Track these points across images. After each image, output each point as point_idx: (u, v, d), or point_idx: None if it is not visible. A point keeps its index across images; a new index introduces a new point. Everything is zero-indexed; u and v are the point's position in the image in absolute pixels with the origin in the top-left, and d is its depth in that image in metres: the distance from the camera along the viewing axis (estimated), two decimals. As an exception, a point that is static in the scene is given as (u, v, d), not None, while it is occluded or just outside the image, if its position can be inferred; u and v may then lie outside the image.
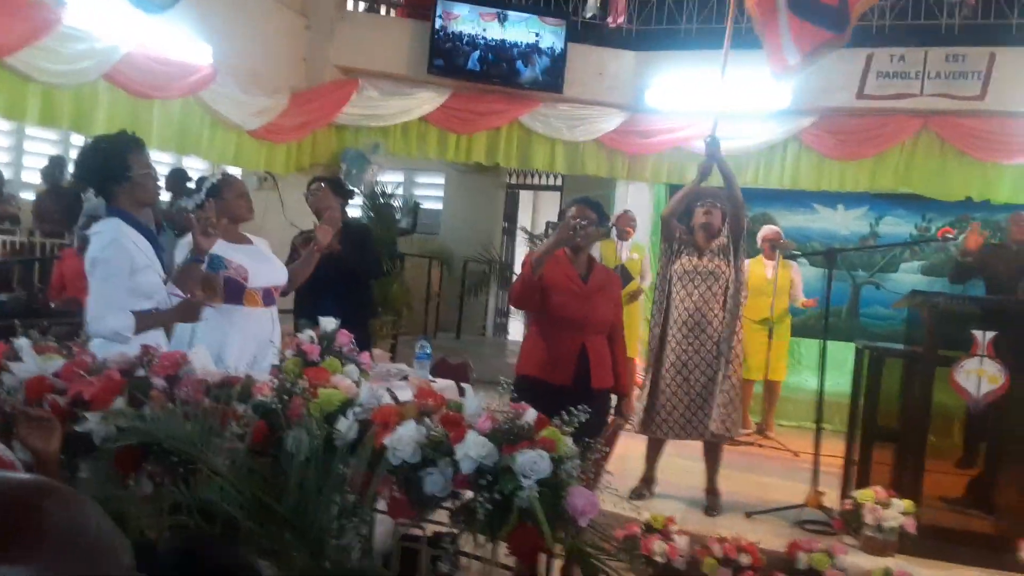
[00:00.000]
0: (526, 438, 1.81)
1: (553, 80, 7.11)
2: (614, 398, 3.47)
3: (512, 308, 9.69)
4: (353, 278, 4.13)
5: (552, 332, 3.28)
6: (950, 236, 4.39)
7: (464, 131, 7.14)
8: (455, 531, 1.89)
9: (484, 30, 7.10)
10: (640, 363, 6.55)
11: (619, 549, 3.45)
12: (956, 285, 5.67)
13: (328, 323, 2.50)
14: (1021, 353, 3.52)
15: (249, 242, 3.27)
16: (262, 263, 3.23)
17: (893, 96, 6.52)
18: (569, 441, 1.87)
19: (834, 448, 4.44)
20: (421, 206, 9.33)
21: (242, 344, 2.99)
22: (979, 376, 3.56)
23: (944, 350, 3.69)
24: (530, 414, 1.91)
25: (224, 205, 3.14)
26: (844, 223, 9.61)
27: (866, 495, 3.62)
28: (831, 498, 4.06)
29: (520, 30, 7.13)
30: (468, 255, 9.77)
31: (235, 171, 6.29)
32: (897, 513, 3.49)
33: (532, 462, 1.72)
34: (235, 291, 3.10)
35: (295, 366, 2.23)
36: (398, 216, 8.02)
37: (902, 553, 3.48)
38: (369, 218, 7.54)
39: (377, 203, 7.60)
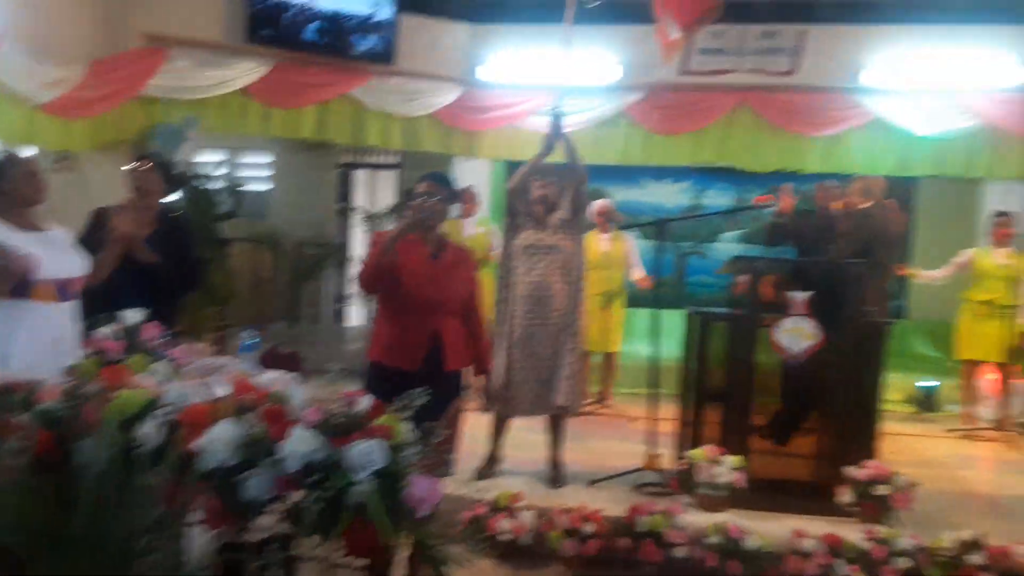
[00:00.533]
0: (359, 428, 1.68)
1: (384, 52, 6.86)
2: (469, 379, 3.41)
3: (352, 293, 9.38)
4: (165, 288, 3.71)
5: (403, 315, 3.16)
6: (765, 203, 4.64)
7: (290, 105, 6.74)
8: (286, 535, 1.73)
9: (311, -2, 6.72)
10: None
11: (465, 533, 3.42)
12: (772, 248, 6.06)
13: (132, 316, 2.23)
14: (832, 311, 3.78)
15: (41, 229, 2.92)
16: (57, 252, 2.88)
17: (713, 72, 6.83)
18: (408, 427, 1.76)
19: (669, 412, 4.61)
20: (246, 187, 8.78)
21: (30, 344, 2.64)
22: (796, 334, 3.78)
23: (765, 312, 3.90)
24: (365, 400, 1.78)
25: (9, 187, 2.84)
26: (670, 196, 10.08)
27: (698, 454, 3.78)
28: (667, 460, 4.21)
29: (347, -1, 6.81)
30: (300, 238, 9.33)
31: (29, 151, 5.60)
32: (727, 470, 3.67)
33: (366, 454, 1.59)
34: (21, 283, 2.73)
35: (92, 366, 1.96)
36: (219, 199, 7.49)
37: (735, 507, 3.66)
38: (186, 201, 6.99)
39: (194, 185, 7.05)
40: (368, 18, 6.81)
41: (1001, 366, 5.89)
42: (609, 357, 6.45)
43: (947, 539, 3.29)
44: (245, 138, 7.92)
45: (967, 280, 6.12)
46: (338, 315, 10.52)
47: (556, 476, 4.15)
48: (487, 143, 7.19)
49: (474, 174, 7.46)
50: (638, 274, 6.35)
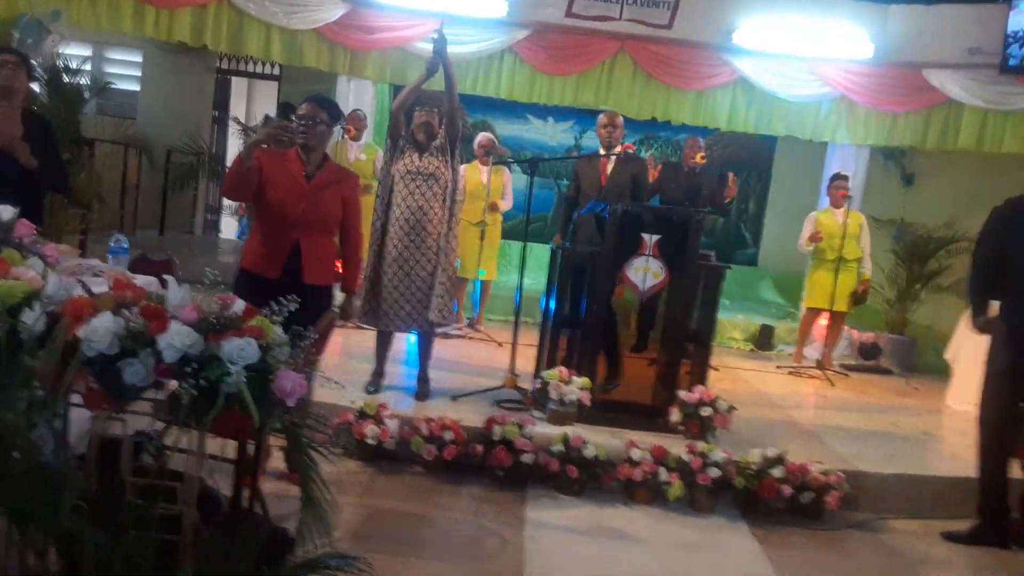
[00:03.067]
0: (233, 327, 1.84)
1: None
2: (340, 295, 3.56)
3: (225, 203, 9.18)
4: (32, 187, 3.64)
5: (268, 227, 3.30)
6: (631, 151, 4.98)
7: (164, 5, 6.45)
8: (158, 428, 1.88)
9: None
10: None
11: (333, 434, 3.64)
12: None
13: (4, 211, 2.26)
14: (677, 253, 4.18)
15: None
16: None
17: (596, 18, 7.05)
18: (278, 330, 1.94)
19: (534, 339, 4.97)
20: (114, 86, 8.33)
21: None
22: (645, 272, 4.17)
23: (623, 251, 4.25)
24: (239, 304, 1.94)
25: None
26: (553, 135, 10.40)
27: (552, 375, 4.14)
28: (525, 381, 4.57)
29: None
30: (172, 144, 8.99)
31: None
32: (576, 389, 4.06)
33: (239, 348, 1.77)
34: None
35: (-35, 257, 2.00)
36: (85, 96, 7.11)
37: (580, 422, 4.07)
38: (49, 97, 6.61)
39: (58, 80, 6.67)
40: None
41: (835, 314, 6.58)
42: (483, 284, 6.75)
43: (755, 455, 3.81)
44: (113, 33, 7.49)
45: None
46: (211, 226, 10.27)
47: (423, 390, 4.43)
48: (372, 64, 7.15)
49: (358, 95, 7.43)
50: (504, 204, 6.59)
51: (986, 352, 3.74)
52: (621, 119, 5.04)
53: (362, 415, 3.84)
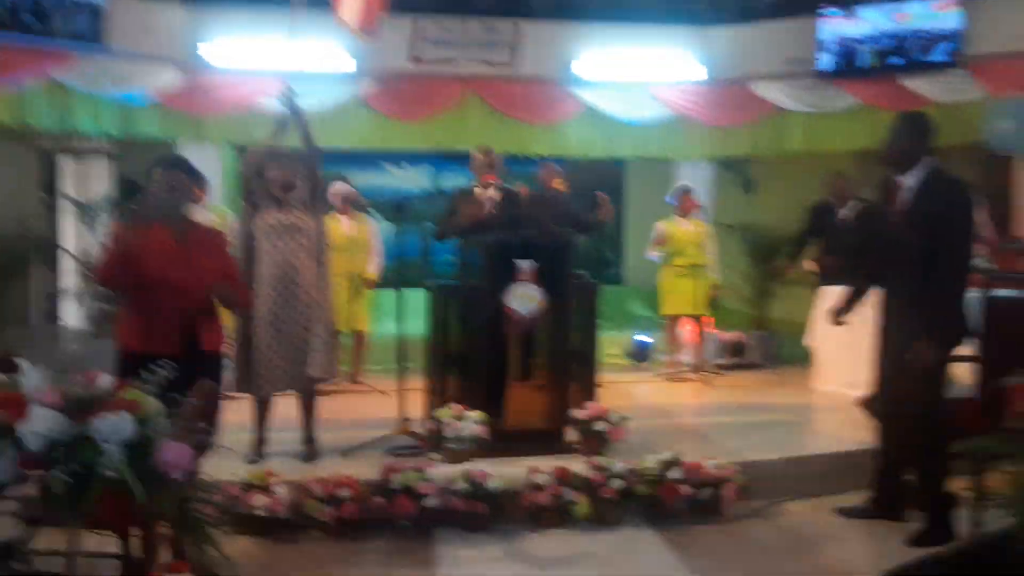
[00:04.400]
0: (102, 404, 1.70)
1: (92, 32, 6.33)
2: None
3: (65, 290, 8.53)
4: None
5: (152, 301, 3.15)
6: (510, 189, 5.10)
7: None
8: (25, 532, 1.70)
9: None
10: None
11: (221, 512, 3.42)
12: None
13: None
14: (551, 276, 4.25)
15: None
16: None
17: (441, 61, 7.18)
18: (155, 401, 1.81)
19: (420, 384, 4.87)
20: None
21: None
22: (525, 299, 4.22)
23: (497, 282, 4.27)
24: (105, 379, 1.80)
25: None
26: (410, 180, 10.42)
27: (444, 413, 4.08)
28: (418, 424, 4.48)
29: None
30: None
31: None
32: (471, 424, 4.01)
33: (113, 425, 1.63)
34: None
35: None
36: None
37: (478, 457, 4.02)
38: None
39: None
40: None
41: (696, 318, 6.90)
42: (359, 336, 6.59)
43: (651, 460, 3.89)
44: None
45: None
46: (50, 315, 9.47)
47: (311, 451, 4.24)
48: (215, 127, 6.95)
49: (202, 160, 7.15)
50: (372, 266, 6.50)
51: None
52: (496, 155, 5.15)
53: (248, 486, 3.63)
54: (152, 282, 3.10)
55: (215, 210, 6.38)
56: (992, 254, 5.47)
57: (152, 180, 3.24)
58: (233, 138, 7.04)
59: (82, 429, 1.63)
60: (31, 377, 1.73)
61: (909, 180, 3.55)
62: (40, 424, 1.60)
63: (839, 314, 3.95)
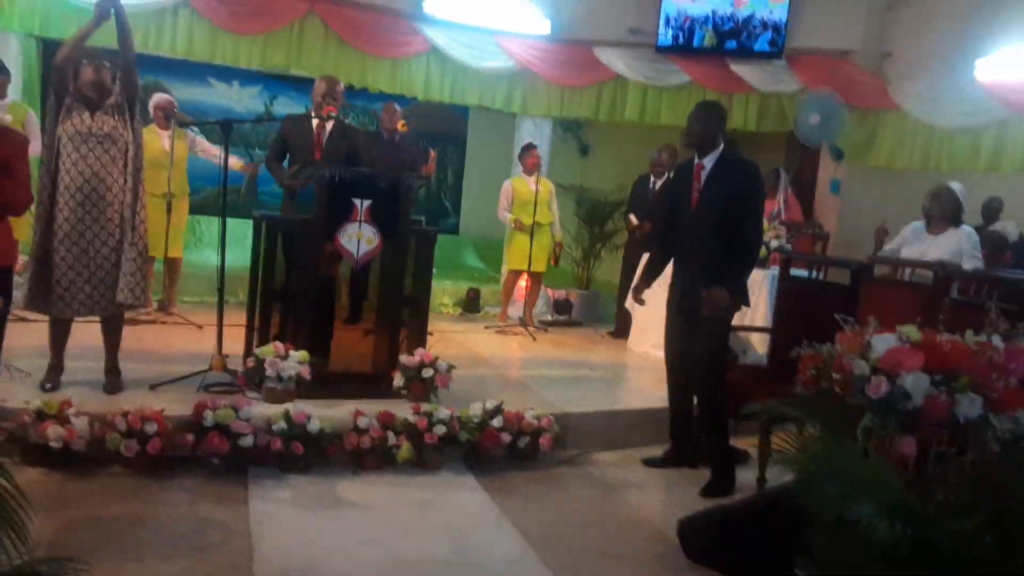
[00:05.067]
0: None
1: None
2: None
3: None
4: None
5: None
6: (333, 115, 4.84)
7: None
8: None
9: None
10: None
11: (8, 443, 3.10)
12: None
13: None
14: (389, 219, 4.16)
15: None
16: None
17: (285, -24, 6.70)
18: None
19: (238, 319, 4.63)
20: None
21: None
22: (358, 239, 4.10)
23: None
24: None
25: None
26: (240, 100, 9.73)
27: (267, 351, 3.91)
28: (235, 362, 4.27)
29: None
30: None
31: None
32: (294, 363, 3.88)
33: None
34: None
35: None
36: None
37: (300, 398, 3.90)
38: None
39: None
40: None
41: (534, 275, 7.03)
42: (172, 263, 6.15)
43: (474, 408, 3.96)
44: None
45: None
46: None
47: (113, 383, 3.93)
48: (16, 14, 6.10)
49: (1, 49, 6.30)
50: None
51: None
52: (342, 86, 4.89)
53: (40, 415, 3.31)
54: None
55: (13, 107, 5.65)
56: (792, 237, 6.01)
57: None
58: (38, 28, 6.22)
59: None
60: None
61: (707, 162, 3.86)
62: None
63: (638, 290, 4.21)
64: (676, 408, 4.15)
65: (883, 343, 2.44)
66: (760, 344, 5.34)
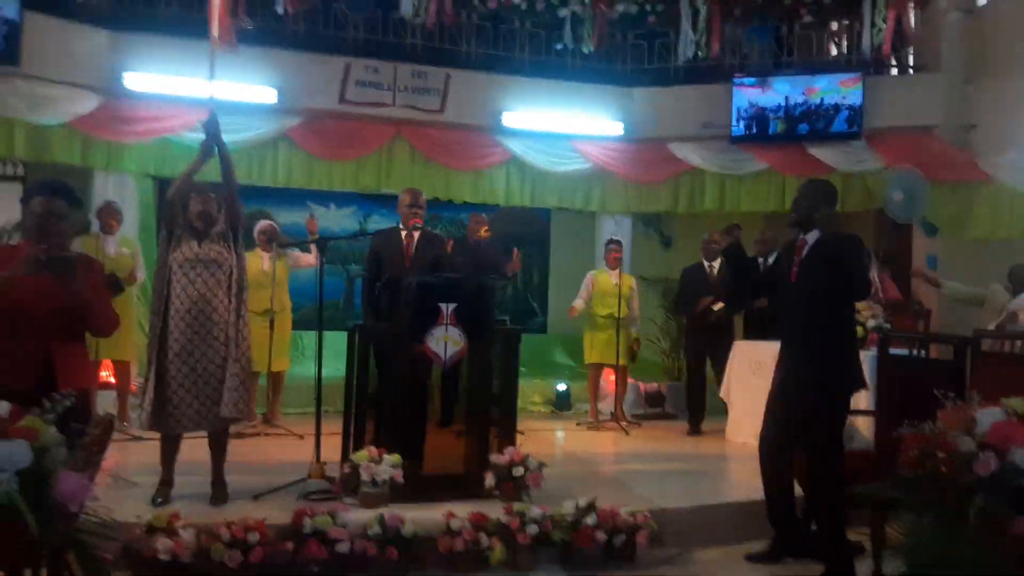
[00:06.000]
0: (-2, 431, 1.61)
1: (9, 52, 6.13)
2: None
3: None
4: None
5: (9, 332, 2.88)
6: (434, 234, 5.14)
7: None
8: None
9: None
10: (134, 366, 6.11)
11: (122, 558, 3.25)
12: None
13: None
14: (474, 320, 4.27)
15: None
16: None
17: (370, 104, 7.22)
18: (53, 430, 1.73)
19: (337, 428, 4.76)
20: None
21: None
22: (446, 342, 4.21)
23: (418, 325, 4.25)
24: (3, 407, 1.71)
25: None
26: (337, 220, 10.31)
27: (361, 456, 4.00)
28: (333, 468, 4.37)
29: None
30: None
31: None
32: (387, 467, 3.95)
33: (8, 454, 1.55)
34: None
35: None
36: None
37: (395, 502, 3.94)
38: None
39: None
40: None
41: (618, 368, 7.00)
42: (276, 377, 6.43)
43: (567, 506, 3.90)
44: None
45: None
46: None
47: (219, 494, 4.08)
48: (132, 157, 6.77)
49: (117, 190, 6.97)
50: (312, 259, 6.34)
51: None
52: (424, 197, 5.15)
53: (151, 529, 3.46)
54: (9, 311, 2.87)
55: (125, 241, 6.19)
56: (890, 314, 5.79)
57: (27, 212, 3.03)
58: (151, 168, 6.87)
59: (-27, 458, 1.54)
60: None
61: (810, 238, 3.84)
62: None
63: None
64: (774, 493, 3.97)
65: (989, 417, 2.33)
66: (866, 429, 5.09)
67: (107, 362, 6.08)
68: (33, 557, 1.66)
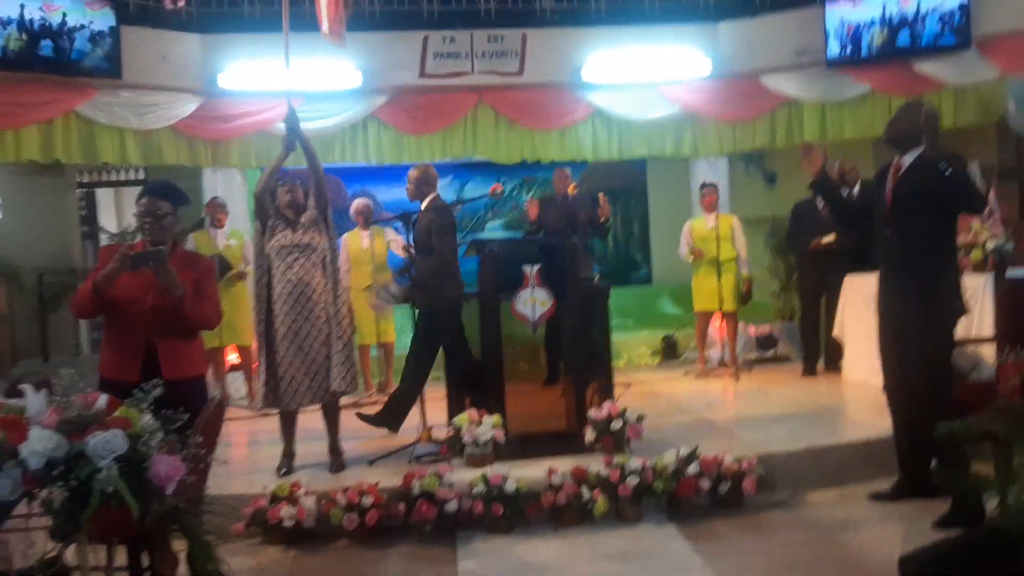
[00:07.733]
0: (96, 422, 1.78)
1: (110, 65, 6.55)
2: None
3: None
4: None
5: (119, 328, 3.13)
6: (499, 191, 5.14)
7: (8, 126, 6.26)
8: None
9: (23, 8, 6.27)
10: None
11: (248, 526, 3.51)
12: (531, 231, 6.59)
13: None
14: (559, 279, 4.29)
15: None
16: None
17: (450, 75, 7.26)
18: (148, 418, 1.89)
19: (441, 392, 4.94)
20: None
21: None
22: (533, 303, 4.26)
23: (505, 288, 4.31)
24: (102, 400, 1.89)
25: None
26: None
27: (462, 419, 4.14)
28: (439, 431, 4.54)
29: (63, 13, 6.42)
30: (41, 266, 8.61)
31: None
32: (488, 428, 4.06)
33: (105, 442, 1.71)
34: None
35: None
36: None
37: (499, 460, 4.06)
38: None
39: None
40: (82, 29, 6.44)
41: (726, 314, 6.81)
42: (386, 347, 6.70)
43: (668, 456, 3.89)
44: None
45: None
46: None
47: (336, 463, 4.33)
48: (235, 152, 7.12)
49: (226, 184, 7.38)
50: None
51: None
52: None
53: (275, 498, 3.73)
54: (116, 308, 3.08)
55: (233, 233, 6.57)
56: (1013, 234, 5.36)
57: (137, 207, 3.22)
58: (255, 161, 7.21)
59: (78, 447, 1.71)
60: (33, 401, 1.82)
61: (907, 159, 3.65)
62: (39, 444, 1.68)
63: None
64: (901, 433, 3.81)
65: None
66: (992, 357, 4.77)
67: (233, 346, 6.51)
68: (142, 535, 1.84)
